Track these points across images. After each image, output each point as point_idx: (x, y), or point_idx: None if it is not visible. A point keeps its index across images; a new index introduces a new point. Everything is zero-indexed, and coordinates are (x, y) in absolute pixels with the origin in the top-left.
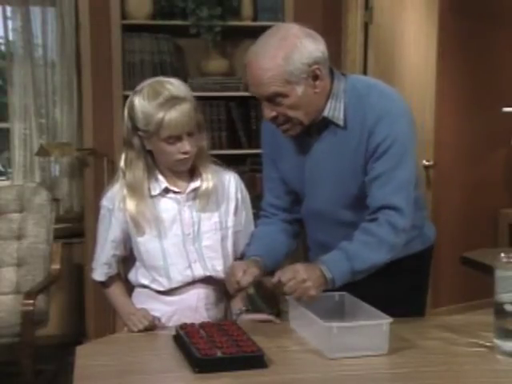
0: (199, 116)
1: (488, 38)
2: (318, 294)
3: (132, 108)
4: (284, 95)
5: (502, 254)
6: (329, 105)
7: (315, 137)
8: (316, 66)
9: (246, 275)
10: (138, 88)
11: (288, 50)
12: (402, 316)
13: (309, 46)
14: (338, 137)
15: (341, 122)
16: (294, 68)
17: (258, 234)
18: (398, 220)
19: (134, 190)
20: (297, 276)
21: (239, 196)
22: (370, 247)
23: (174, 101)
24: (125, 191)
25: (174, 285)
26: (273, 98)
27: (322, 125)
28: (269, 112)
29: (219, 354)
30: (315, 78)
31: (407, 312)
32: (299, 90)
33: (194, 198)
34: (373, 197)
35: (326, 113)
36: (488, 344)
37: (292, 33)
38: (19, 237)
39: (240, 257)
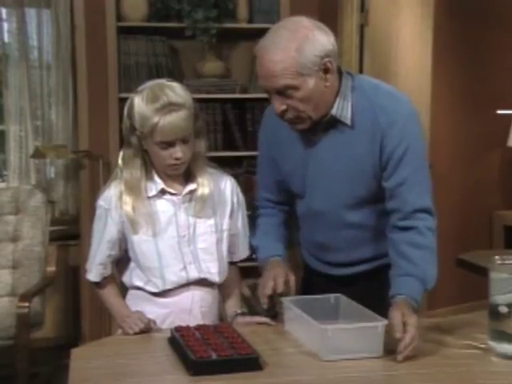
0: (199, 123)
1: (483, 40)
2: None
3: (131, 107)
4: (295, 87)
5: (497, 256)
6: (337, 103)
7: (320, 135)
8: (328, 59)
9: (289, 285)
10: (140, 88)
11: (300, 42)
12: None
13: (320, 38)
14: (345, 136)
15: (348, 121)
16: (307, 60)
17: (270, 228)
18: (432, 221)
19: (131, 188)
20: (413, 332)
21: (235, 200)
22: (428, 261)
23: (170, 107)
24: (122, 188)
25: (169, 286)
26: (284, 91)
27: (329, 123)
28: (279, 105)
29: (214, 356)
30: (326, 70)
31: None
32: (311, 82)
33: (190, 201)
34: (404, 201)
35: (333, 111)
36: (482, 346)
37: (303, 25)
38: (15, 239)
39: (237, 260)
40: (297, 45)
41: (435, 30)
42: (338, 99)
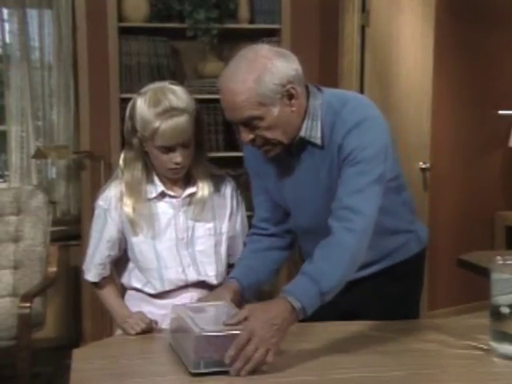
0: (200, 127)
1: (484, 40)
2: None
3: (133, 109)
4: (259, 118)
5: (498, 257)
6: (305, 124)
7: (295, 157)
8: (290, 85)
9: None
10: (143, 90)
11: (259, 72)
12: (401, 318)
13: (280, 66)
14: (317, 155)
15: (318, 141)
16: (267, 89)
17: (242, 255)
18: (355, 222)
19: (132, 189)
20: (255, 331)
21: (234, 203)
22: (331, 260)
23: (172, 112)
24: (122, 190)
25: (167, 287)
26: (248, 122)
27: (301, 145)
28: (246, 136)
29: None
30: (290, 97)
31: (406, 314)
32: (275, 110)
33: (190, 204)
34: (335, 198)
35: (302, 133)
36: (484, 346)
37: (261, 54)
38: (16, 239)
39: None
40: (255, 76)
41: (436, 30)
42: (306, 120)
